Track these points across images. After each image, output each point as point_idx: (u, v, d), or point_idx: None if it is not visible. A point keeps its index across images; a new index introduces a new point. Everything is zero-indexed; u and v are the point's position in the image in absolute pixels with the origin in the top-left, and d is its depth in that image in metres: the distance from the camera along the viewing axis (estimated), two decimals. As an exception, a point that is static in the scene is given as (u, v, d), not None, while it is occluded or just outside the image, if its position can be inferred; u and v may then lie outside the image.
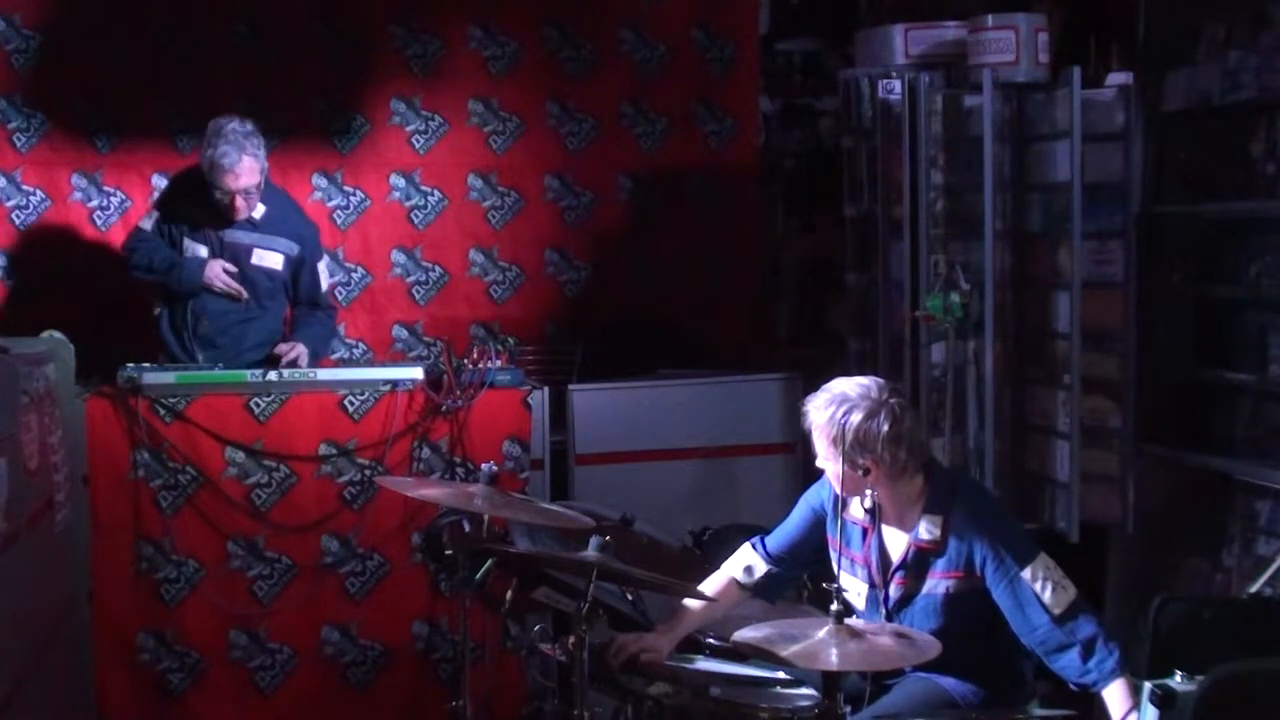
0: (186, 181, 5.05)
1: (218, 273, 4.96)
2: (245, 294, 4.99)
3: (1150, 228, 4.89)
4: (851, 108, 5.35)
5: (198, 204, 4.97)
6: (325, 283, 5.21)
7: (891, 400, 3.42)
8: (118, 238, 5.39)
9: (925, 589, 3.46)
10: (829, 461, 3.46)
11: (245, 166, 4.82)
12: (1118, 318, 4.77)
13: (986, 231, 4.71)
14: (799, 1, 6.17)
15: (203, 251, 4.99)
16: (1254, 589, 4.03)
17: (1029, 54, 4.70)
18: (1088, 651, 3.29)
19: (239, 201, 4.88)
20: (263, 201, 4.99)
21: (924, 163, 4.80)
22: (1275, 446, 4.53)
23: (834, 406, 3.40)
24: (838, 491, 3.43)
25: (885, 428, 3.38)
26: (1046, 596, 3.32)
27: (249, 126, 4.86)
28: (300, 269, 5.09)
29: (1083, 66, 4.71)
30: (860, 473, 3.41)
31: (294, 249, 5.06)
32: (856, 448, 3.38)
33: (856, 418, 3.37)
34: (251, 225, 4.99)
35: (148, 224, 5.06)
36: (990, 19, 4.74)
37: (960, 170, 4.86)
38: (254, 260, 5.01)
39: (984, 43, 4.74)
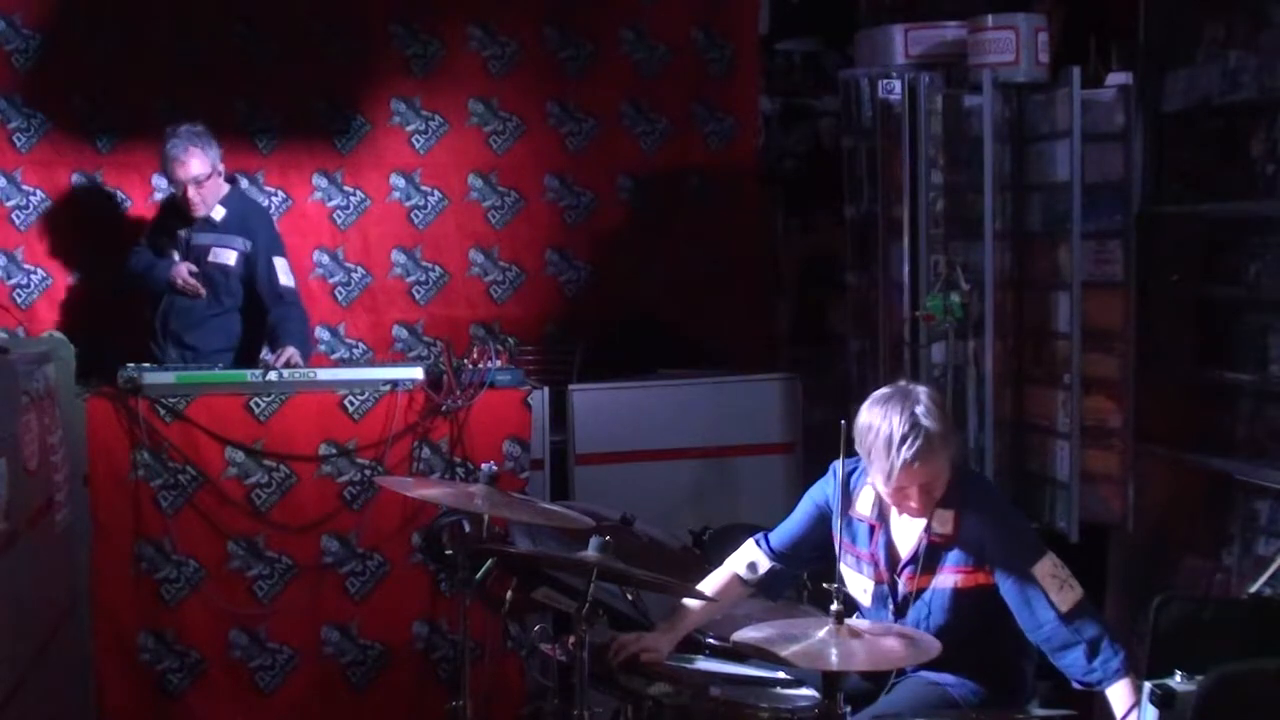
0: (171, 202, 5.28)
1: (180, 272, 5.15)
2: (202, 291, 5.14)
3: (1150, 228, 4.88)
4: (851, 108, 5.34)
5: (176, 217, 5.21)
6: (285, 279, 5.24)
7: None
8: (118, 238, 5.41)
9: (935, 583, 3.46)
10: (942, 468, 3.42)
11: (193, 158, 5.06)
12: (1118, 318, 4.77)
13: (986, 231, 4.71)
14: (799, 1, 6.17)
15: (176, 256, 5.20)
16: (1254, 589, 4.03)
17: (1029, 54, 4.69)
18: (1093, 651, 3.30)
19: (191, 193, 5.09)
20: (225, 205, 5.19)
21: (924, 163, 4.79)
22: (1275, 446, 4.52)
23: (939, 409, 3.40)
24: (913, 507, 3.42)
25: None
26: (1054, 594, 3.33)
27: (199, 128, 5.12)
28: (254, 264, 5.18)
29: (1083, 66, 4.70)
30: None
31: (247, 245, 5.19)
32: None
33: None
34: (212, 227, 5.18)
35: (143, 240, 5.29)
36: (990, 19, 4.73)
37: (960, 170, 4.86)
38: (210, 258, 5.17)
39: (984, 43, 4.73)
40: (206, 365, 4.98)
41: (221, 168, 5.16)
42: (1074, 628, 3.31)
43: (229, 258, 5.16)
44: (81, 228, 5.52)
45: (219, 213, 5.17)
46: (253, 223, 5.24)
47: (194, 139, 5.06)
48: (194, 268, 5.14)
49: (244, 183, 5.53)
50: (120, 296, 5.32)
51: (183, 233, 5.18)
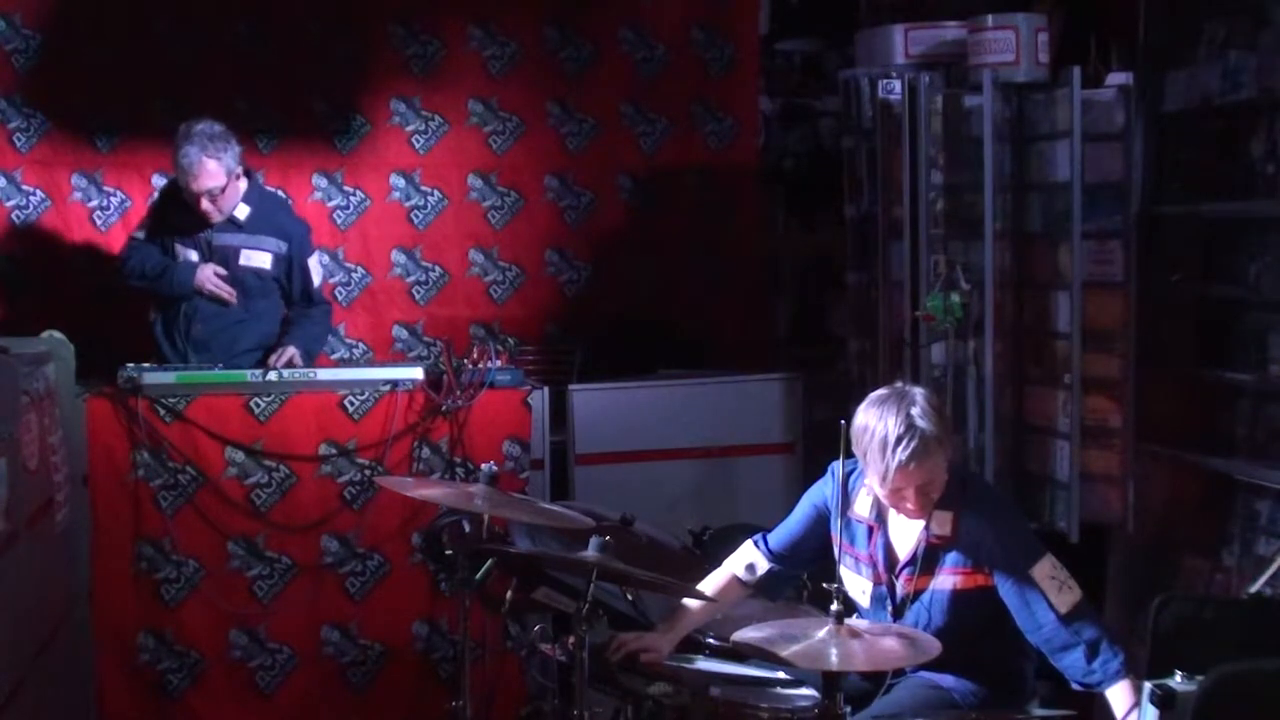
0: (175, 189, 5.05)
1: (208, 276, 4.96)
2: (234, 297, 4.99)
3: (1150, 228, 4.88)
4: (851, 108, 5.34)
5: (185, 209, 4.98)
6: (318, 279, 5.20)
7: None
8: (118, 238, 5.39)
9: (934, 585, 3.46)
10: (938, 470, 3.41)
11: (207, 169, 4.81)
12: (1118, 318, 4.77)
13: (986, 231, 4.71)
14: (799, 1, 6.17)
15: (193, 256, 5.01)
16: (1254, 589, 4.03)
17: (1029, 54, 4.69)
18: (1093, 652, 3.30)
19: (205, 204, 4.88)
20: (247, 202, 5.00)
21: (924, 163, 4.79)
22: (1275, 446, 4.52)
23: (935, 410, 3.39)
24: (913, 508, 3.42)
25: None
26: (1053, 596, 3.33)
27: (217, 129, 4.86)
28: (290, 267, 5.09)
29: (1083, 66, 4.71)
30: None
31: (282, 247, 5.05)
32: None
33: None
34: (238, 226, 4.99)
35: (141, 233, 5.08)
36: (990, 19, 4.74)
37: (960, 170, 4.86)
38: (241, 261, 5.01)
39: (984, 43, 4.73)
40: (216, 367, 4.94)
41: (240, 169, 4.94)
42: (1073, 629, 3.32)
43: (264, 260, 5.01)
44: (81, 228, 5.51)
45: (242, 210, 4.96)
46: (284, 222, 5.09)
47: (209, 145, 4.78)
48: (220, 270, 4.97)
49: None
50: (119, 298, 5.21)
51: (201, 233, 4.97)
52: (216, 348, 5.01)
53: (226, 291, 4.98)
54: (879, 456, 3.33)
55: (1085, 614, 3.35)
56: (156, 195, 5.26)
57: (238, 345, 5.03)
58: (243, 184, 4.99)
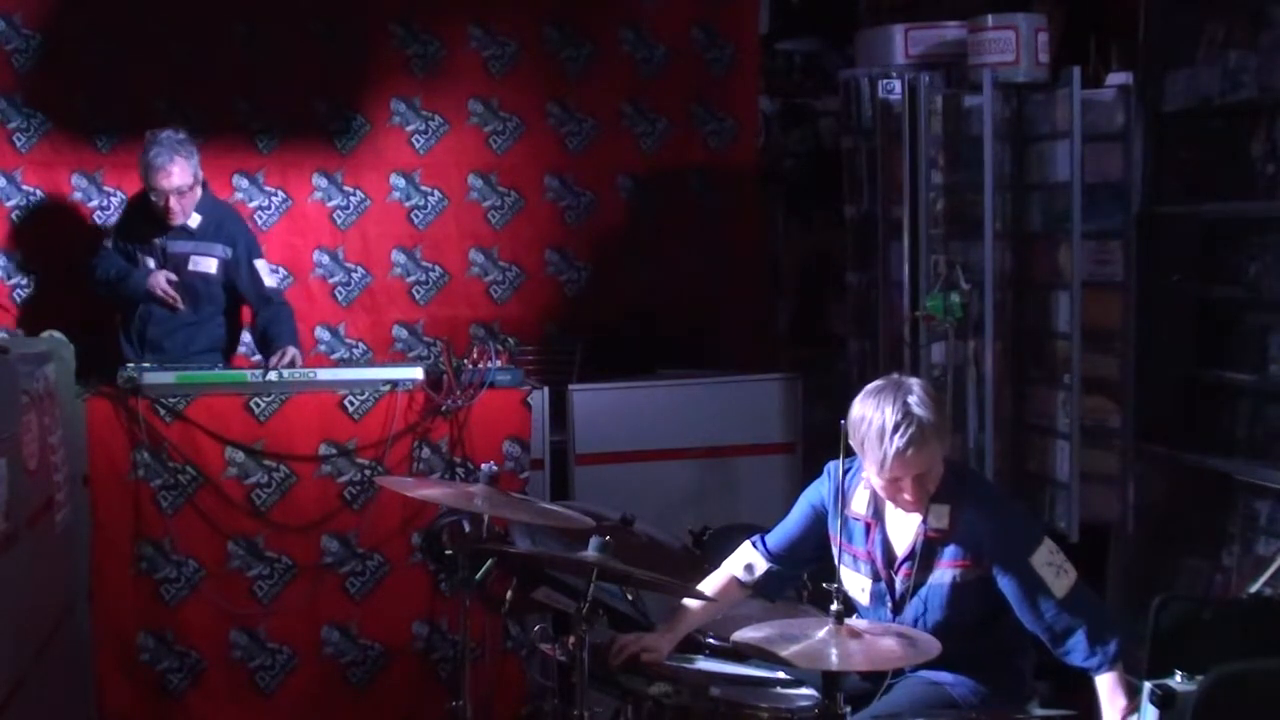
0: (138, 203, 5.18)
1: (158, 282, 5.08)
2: (180, 302, 5.09)
3: (1150, 228, 4.89)
4: (851, 108, 5.35)
5: (147, 221, 5.11)
6: (270, 280, 5.23)
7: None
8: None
9: (932, 579, 3.46)
10: (935, 458, 3.41)
11: (176, 167, 4.94)
12: (1118, 318, 4.77)
13: (986, 231, 4.71)
14: (799, 1, 6.17)
15: (151, 263, 5.12)
16: (1254, 589, 4.03)
17: (1029, 54, 4.70)
18: (1092, 635, 3.31)
19: (173, 203, 4.99)
20: (200, 212, 5.10)
21: (924, 163, 4.80)
22: (1275, 446, 4.52)
23: (933, 400, 3.39)
24: (910, 499, 3.42)
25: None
26: (1051, 582, 3.34)
27: (181, 135, 5.01)
28: (236, 270, 5.15)
29: (1083, 66, 4.71)
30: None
31: (227, 252, 5.14)
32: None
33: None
34: (189, 235, 5.10)
35: (108, 243, 5.21)
36: (990, 19, 4.74)
37: (960, 170, 4.87)
38: (190, 267, 5.11)
39: (984, 43, 4.74)
40: (206, 365, 4.98)
41: (201, 175, 5.07)
42: (1072, 613, 3.33)
43: (210, 265, 5.11)
44: (81, 228, 5.51)
45: (195, 219, 5.08)
46: (230, 228, 5.18)
47: (177, 148, 4.95)
48: (173, 276, 5.08)
49: (244, 182, 5.54)
50: (93, 301, 5.24)
51: (158, 240, 5.09)
52: (170, 349, 5.09)
53: (171, 297, 5.08)
54: (876, 444, 3.33)
55: (1082, 595, 3.36)
56: (122, 209, 5.33)
57: (190, 347, 5.12)
58: (199, 193, 5.10)
